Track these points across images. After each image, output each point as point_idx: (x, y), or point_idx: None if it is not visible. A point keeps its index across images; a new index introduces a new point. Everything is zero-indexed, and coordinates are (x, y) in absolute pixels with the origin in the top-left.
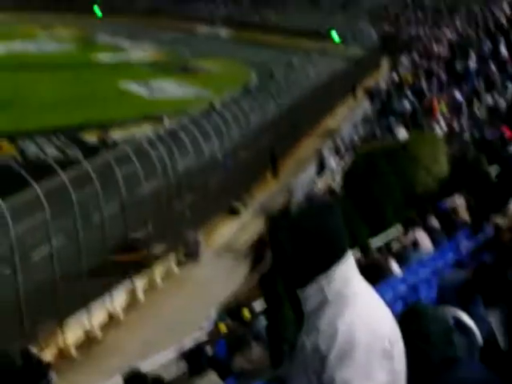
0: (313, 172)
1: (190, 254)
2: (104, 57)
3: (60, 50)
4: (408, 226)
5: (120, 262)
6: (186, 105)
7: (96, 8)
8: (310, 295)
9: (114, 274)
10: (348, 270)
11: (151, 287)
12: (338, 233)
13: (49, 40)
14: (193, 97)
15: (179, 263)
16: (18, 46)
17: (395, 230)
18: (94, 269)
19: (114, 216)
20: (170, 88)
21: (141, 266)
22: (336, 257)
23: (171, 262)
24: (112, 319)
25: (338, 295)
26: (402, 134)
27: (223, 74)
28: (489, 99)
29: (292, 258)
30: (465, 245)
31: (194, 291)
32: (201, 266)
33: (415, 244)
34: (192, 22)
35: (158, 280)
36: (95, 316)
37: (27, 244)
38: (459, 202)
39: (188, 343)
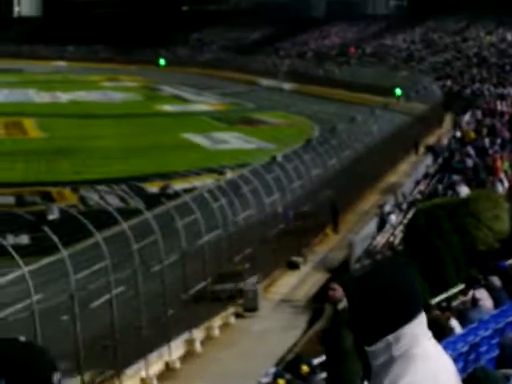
0: (374, 227)
1: (249, 306)
2: (167, 107)
3: (124, 100)
4: (469, 283)
5: None
6: (247, 157)
7: (161, 59)
8: (377, 353)
9: (173, 324)
10: (418, 328)
11: (209, 338)
12: (411, 292)
13: (114, 90)
14: (255, 149)
15: (237, 315)
16: (83, 95)
17: (456, 288)
18: (154, 319)
19: (174, 266)
20: (233, 140)
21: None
22: (407, 317)
23: (229, 313)
24: (169, 369)
25: (406, 353)
26: (464, 191)
27: (285, 127)
28: None
29: (362, 316)
30: None
31: (252, 343)
32: (259, 319)
33: (476, 302)
34: (256, 74)
35: (216, 331)
36: (153, 366)
37: (87, 292)
38: None
39: None
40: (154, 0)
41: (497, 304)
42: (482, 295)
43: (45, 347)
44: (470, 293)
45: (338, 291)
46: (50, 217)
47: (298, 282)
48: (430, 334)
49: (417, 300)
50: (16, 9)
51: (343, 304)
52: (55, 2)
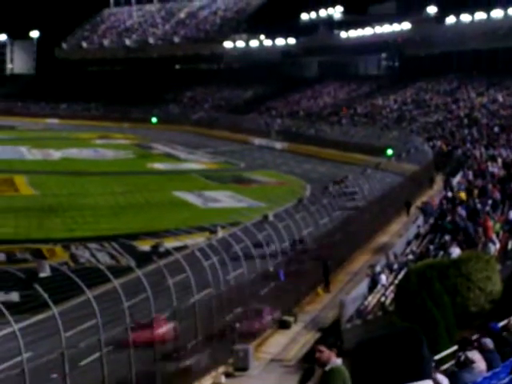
0: (365, 287)
1: (239, 366)
2: (159, 165)
3: (116, 157)
4: (461, 345)
5: None
6: (239, 215)
7: (153, 117)
8: None
9: (164, 382)
10: None
11: None
12: (403, 363)
13: (105, 147)
14: (246, 208)
15: (228, 374)
16: (74, 153)
17: (448, 349)
18: (144, 377)
19: None
20: (224, 198)
21: None
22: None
23: (220, 373)
24: None
25: None
26: (456, 251)
27: (277, 186)
28: None
29: (357, 376)
30: None
31: None
32: (249, 378)
33: (469, 364)
34: (248, 133)
35: None
36: None
37: (78, 350)
38: None
39: None
40: (146, 58)
41: (489, 366)
42: (475, 357)
43: None
44: (463, 354)
45: (325, 353)
46: (42, 274)
47: (288, 341)
48: None
49: (408, 369)
50: (9, 66)
51: (330, 365)
52: (48, 60)
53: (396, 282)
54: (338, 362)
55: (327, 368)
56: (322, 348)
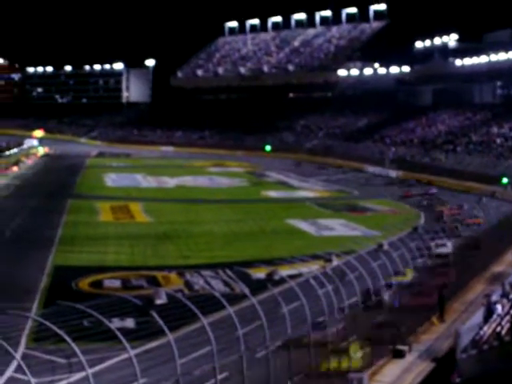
0: (480, 317)
1: None
2: (273, 193)
3: (230, 185)
4: None
5: None
6: (353, 244)
7: (267, 145)
8: None
9: None
10: None
11: None
12: None
13: (220, 175)
14: (360, 236)
15: None
16: (189, 180)
17: None
18: None
19: (279, 352)
20: (338, 227)
21: None
22: None
23: None
24: None
25: None
26: None
27: (391, 215)
28: None
29: None
30: None
31: None
32: None
33: None
34: (362, 161)
35: None
36: None
37: (192, 377)
38: None
39: None
40: (261, 86)
41: None
42: None
43: None
44: None
45: None
46: (158, 301)
47: (402, 370)
48: None
49: None
50: (125, 94)
51: None
52: (163, 88)
53: None
54: None
55: None
56: None
